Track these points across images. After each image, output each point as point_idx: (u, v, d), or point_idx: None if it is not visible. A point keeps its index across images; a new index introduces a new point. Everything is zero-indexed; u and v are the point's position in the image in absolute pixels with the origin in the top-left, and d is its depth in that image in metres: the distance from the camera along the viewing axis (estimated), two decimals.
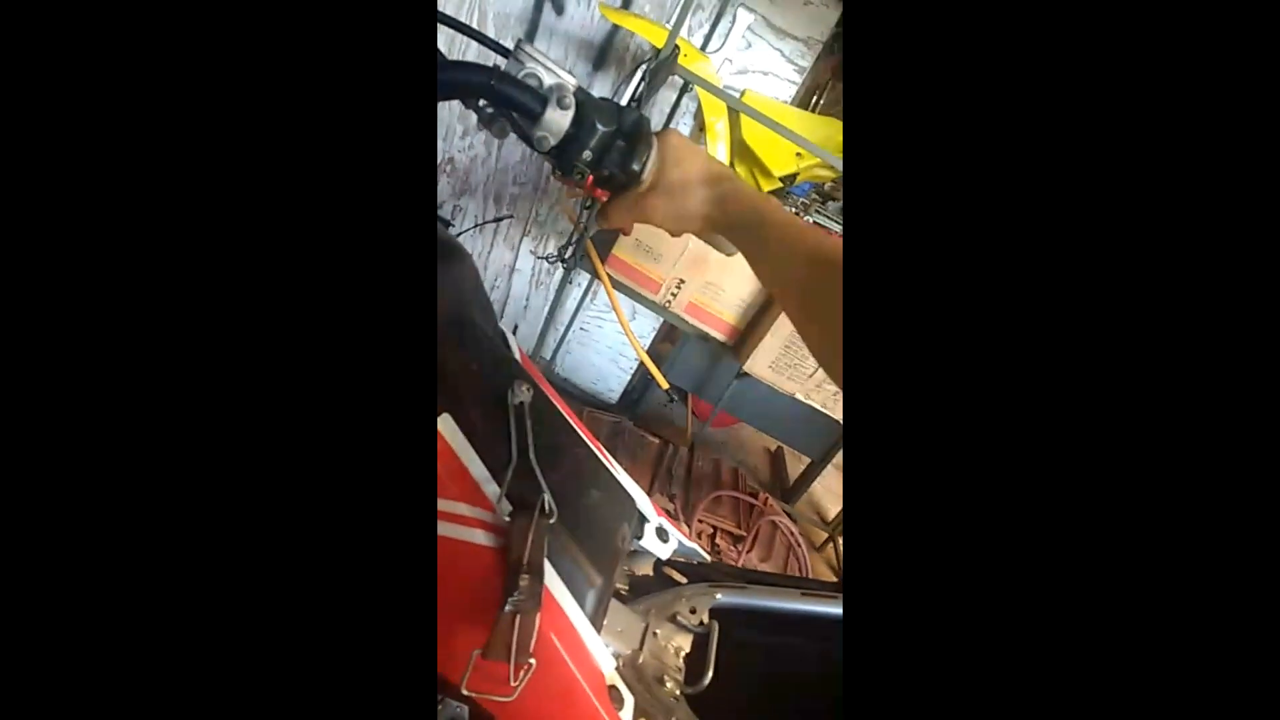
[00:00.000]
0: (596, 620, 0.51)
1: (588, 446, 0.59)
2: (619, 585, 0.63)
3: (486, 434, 0.50)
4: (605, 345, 1.98)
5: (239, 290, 0.26)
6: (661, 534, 0.66)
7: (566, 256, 1.47)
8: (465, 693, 0.44)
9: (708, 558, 0.72)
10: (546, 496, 0.49)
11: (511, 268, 1.92)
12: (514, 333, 2.08)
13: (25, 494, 0.24)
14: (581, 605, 0.49)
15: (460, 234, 1.82)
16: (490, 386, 0.53)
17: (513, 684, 0.44)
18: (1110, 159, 0.25)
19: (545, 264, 1.91)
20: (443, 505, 0.46)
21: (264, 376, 0.26)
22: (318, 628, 0.26)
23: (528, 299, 1.99)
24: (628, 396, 2.09)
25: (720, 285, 1.53)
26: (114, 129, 0.25)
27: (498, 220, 1.86)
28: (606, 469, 0.60)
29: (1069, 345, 0.25)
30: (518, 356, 0.63)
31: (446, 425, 0.47)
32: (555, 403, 0.59)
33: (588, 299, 1.86)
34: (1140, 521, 0.23)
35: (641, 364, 1.66)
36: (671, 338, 1.86)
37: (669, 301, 1.57)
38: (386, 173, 0.28)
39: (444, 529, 0.46)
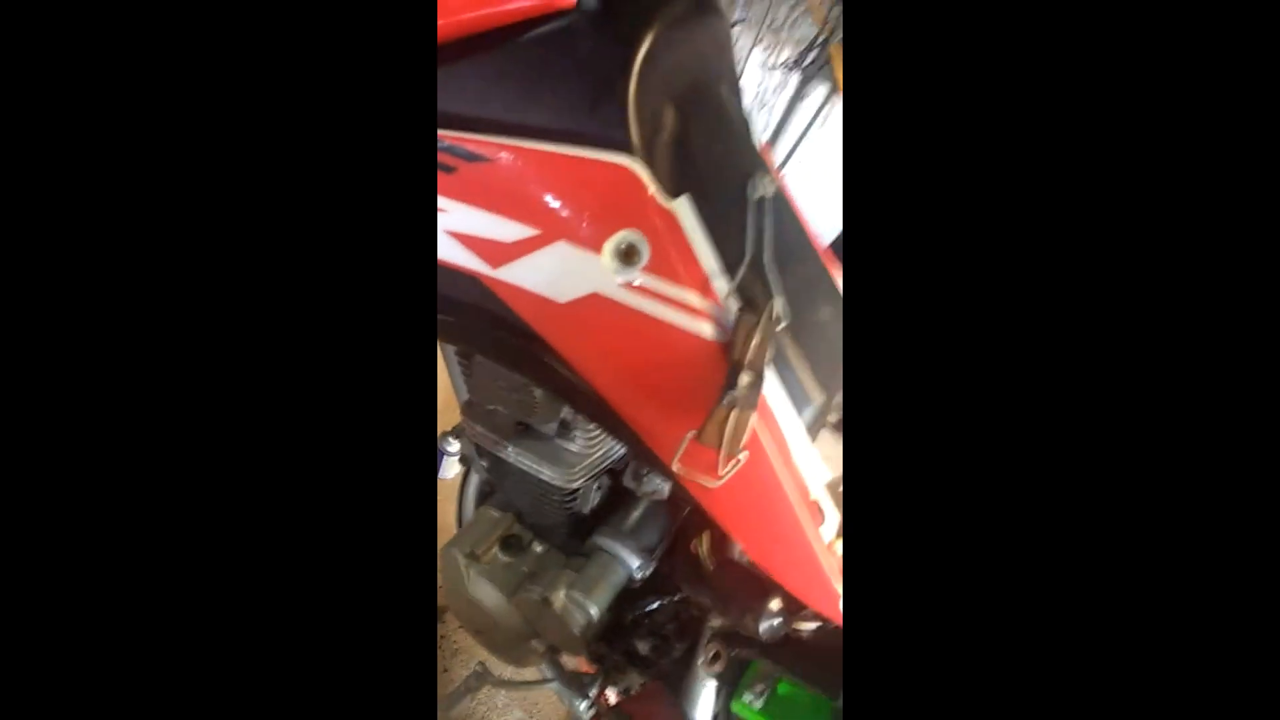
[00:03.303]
0: (812, 435, 0.49)
1: (820, 261, 0.53)
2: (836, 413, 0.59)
3: (722, 224, 0.46)
4: (832, 177, 1.79)
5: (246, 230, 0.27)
6: None
7: (807, 64, 1.28)
8: (675, 469, 0.45)
9: None
10: (779, 301, 0.45)
11: None
12: None
13: None
14: (800, 416, 0.47)
15: None
16: (731, 173, 0.48)
17: (720, 473, 0.44)
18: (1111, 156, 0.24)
19: (772, 82, 1.69)
20: (672, 291, 0.44)
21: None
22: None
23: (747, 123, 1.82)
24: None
25: None
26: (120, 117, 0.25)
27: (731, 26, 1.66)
28: (838, 289, 0.54)
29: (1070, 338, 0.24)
30: (759, 146, 0.56)
31: (684, 207, 0.44)
32: (793, 207, 0.53)
33: (819, 119, 1.65)
34: (1139, 522, 0.23)
35: None
36: None
37: None
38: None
39: (672, 316, 0.44)
